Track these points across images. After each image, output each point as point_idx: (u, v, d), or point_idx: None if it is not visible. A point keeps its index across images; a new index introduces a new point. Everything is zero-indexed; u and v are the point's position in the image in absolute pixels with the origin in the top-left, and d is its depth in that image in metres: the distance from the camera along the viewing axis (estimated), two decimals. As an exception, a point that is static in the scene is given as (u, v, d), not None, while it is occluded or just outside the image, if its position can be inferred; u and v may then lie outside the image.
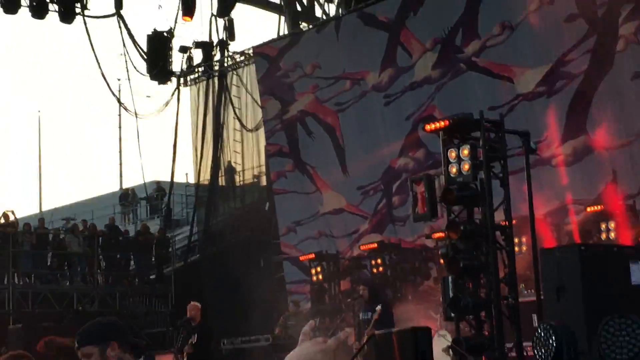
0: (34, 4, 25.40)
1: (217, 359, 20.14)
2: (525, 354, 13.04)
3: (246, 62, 28.37)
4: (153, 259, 29.05)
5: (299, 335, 20.83)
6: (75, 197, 45.42)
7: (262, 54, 27.18)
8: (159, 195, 36.08)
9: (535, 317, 13.93)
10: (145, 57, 28.61)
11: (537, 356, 11.65)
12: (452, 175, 13.26)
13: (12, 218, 26.79)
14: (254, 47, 27.73)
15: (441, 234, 17.73)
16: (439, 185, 14.05)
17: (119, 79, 31.89)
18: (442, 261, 15.61)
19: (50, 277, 27.06)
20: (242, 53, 28.40)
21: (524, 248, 17.54)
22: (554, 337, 11.43)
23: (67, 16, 26.13)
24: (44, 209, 41.56)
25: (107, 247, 27.92)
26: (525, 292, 15.92)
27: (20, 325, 22.12)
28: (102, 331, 4.37)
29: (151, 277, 28.81)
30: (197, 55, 29.32)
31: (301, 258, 23.03)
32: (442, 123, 13.48)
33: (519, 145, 14.20)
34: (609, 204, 17.91)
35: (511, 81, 20.86)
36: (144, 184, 32.70)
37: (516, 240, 15.89)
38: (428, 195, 13.99)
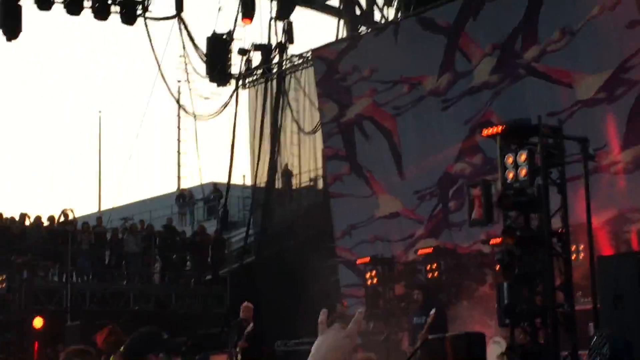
0: (96, 5, 25.71)
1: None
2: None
3: (304, 65, 28.44)
4: (209, 260, 29.25)
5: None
6: (134, 197, 45.88)
7: (321, 57, 27.24)
8: (216, 196, 36.31)
9: (591, 325, 13.80)
10: (204, 59, 28.83)
11: (593, 364, 11.55)
12: (509, 180, 13.21)
13: (71, 217, 27.15)
14: (312, 50, 27.80)
15: (497, 240, 17.63)
16: (495, 191, 14.01)
17: (178, 81, 32.21)
18: (497, 267, 15.53)
19: (107, 275, 27.38)
20: (300, 56, 28.48)
21: (581, 255, 17.36)
22: (608, 345, 11.31)
23: (128, 18, 26.43)
24: (102, 208, 42.04)
25: (164, 247, 28.18)
26: (582, 300, 15.75)
27: (77, 322, 22.38)
28: (138, 347, 4.58)
29: (207, 277, 29.00)
30: (256, 58, 29.50)
31: (358, 261, 23.02)
32: (500, 128, 13.44)
33: (577, 152, 14.09)
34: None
35: (571, 87, 20.67)
36: (202, 185, 32.93)
37: (573, 247, 15.75)
38: (484, 201, 13.96)
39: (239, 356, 16.34)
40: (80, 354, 6.09)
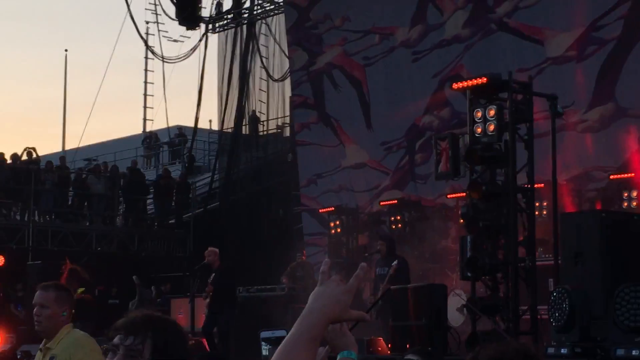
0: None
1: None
2: (539, 317, 13.11)
3: (276, 11, 28.30)
4: (173, 204, 29.23)
5: (310, 282, 20.97)
6: (98, 138, 45.59)
7: (292, 3, 27.09)
8: (181, 140, 36.21)
9: (551, 281, 13.98)
10: (174, 1, 28.58)
11: (552, 319, 11.72)
12: (477, 135, 13.29)
13: (34, 155, 26.99)
14: (284, -3, 27.63)
15: (463, 194, 17.76)
16: (463, 145, 14.08)
17: (147, 22, 31.90)
18: (461, 220, 15.67)
19: (70, 216, 27.29)
20: (271, 2, 28.34)
21: (545, 212, 17.54)
22: (568, 301, 11.48)
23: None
24: (66, 148, 41.78)
25: (128, 190, 28.09)
26: (544, 256, 15.94)
27: (39, 262, 22.35)
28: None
29: (170, 221, 29.00)
30: (227, 2, 29.30)
31: (321, 210, 23.16)
32: (470, 82, 13.49)
33: (545, 108, 14.17)
34: (632, 172, 17.86)
35: (541, 44, 20.73)
36: (167, 128, 32.80)
37: (537, 204, 15.91)
38: (452, 154, 14.04)
39: (208, 300, 16.53)
40: (55, 287, 6.28)
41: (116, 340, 2.96)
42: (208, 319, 16.52)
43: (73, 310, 6.36)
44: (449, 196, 20.15)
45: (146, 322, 3.00)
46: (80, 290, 5.76)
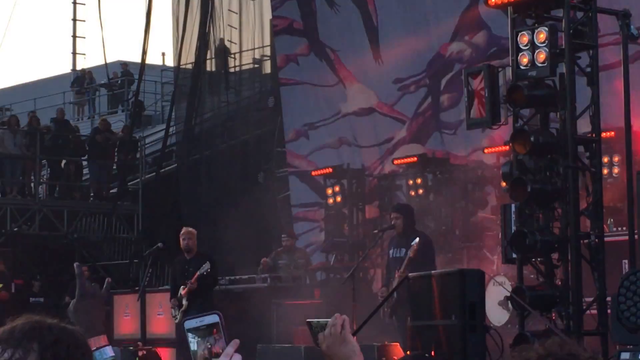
0: None
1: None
2: (609, 311, 13.14)
3: None
4: (114, 167, 29.22)
5: (303, 272, 21.02)
6: (12, 79, 45.42)
7: None
8: (125, 81, 36.15)
9: (626, 263, 14.01)
10: None
11: (624, 311, 11.76)
12: (522, 67, 13.27)
13: None
14: None
15: (504, 147, 17.78)
16: (504, 81, 14.06)
17: None
18: (503, 183, 15.69)
19: (-25, 186, 27.31)
20: None
21: (616, 170, 17.56)
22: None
23: None
24: (-31, 94, 41.77)
25: (53, 149, 28.07)
26: (615, 229, 15.98)
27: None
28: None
29: (111, 191, 29.01)
30: None
31: (314, 173, 23.14)
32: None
33: (615, 30, 14.15)
34: None
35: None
36: (106, 64, 32.73)
37: (605, 159, 15.93)
38: (489, 94, 14.00)
39: (184, 300, 16.59)
40: None
41: None
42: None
43: None
44: (486, 151, 20.21)
45: (30, 332, 3.05)
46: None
